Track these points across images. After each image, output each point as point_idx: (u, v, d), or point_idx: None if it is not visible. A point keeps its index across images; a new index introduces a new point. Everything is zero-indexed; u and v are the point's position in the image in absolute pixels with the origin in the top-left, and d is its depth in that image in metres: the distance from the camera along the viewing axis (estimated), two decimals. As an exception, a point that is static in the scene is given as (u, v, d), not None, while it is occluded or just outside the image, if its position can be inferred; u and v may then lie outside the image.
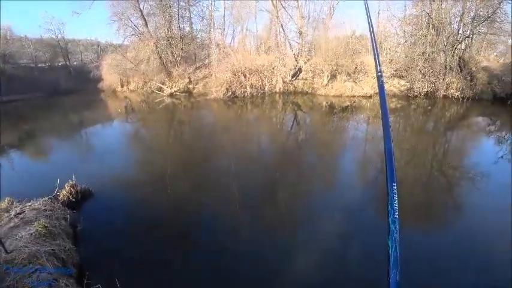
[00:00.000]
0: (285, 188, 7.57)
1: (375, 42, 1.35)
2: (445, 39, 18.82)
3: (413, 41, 20.40)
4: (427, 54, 19.27)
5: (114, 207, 6.68)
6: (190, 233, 5.64)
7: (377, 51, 1.34)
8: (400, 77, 20.37)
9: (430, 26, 19.11)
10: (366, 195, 6.97)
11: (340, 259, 4.71)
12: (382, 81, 1.27)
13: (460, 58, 18.60)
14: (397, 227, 0.98)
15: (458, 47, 18.66)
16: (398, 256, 0.95)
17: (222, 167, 8.86)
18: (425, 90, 18.92)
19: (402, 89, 19.94)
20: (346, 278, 4.30)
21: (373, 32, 1.37)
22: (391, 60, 21.52)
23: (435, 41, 19.00)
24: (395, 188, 1.03)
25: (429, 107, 16.80)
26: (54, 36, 34.98)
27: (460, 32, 18.88)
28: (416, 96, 18.99)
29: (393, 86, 20.33)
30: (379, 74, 1.28)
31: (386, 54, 23.99)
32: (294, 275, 4.32)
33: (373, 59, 1.33)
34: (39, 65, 33.80)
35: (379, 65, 1.28)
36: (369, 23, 1.41)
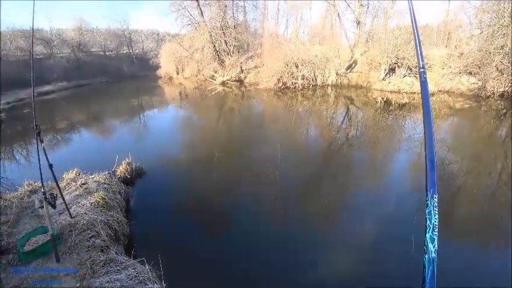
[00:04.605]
0: (328, 183, 7.37)
1: (417, 33, 1.21)
2: (533, 30, 16.15)
3: (491, 32, 17.74)
4: (507, 48, 16.71)
5: (164, 185, 7.19)
6: (230, 216, 5.83)
7: (419, 43, 1.20)
8: (470, 73, 18.12)
9: (515, 15, 16.46)
10: (413, 203, 6.44)
11: (375, 266, 4.39)
12: (425, 78, 1.14)
13: (550, 53, 15.82)
14: (436, 245, 0.87)
15: (550, 39, 15.83)
16: (435, 279, 0.84)
17: (267, 156, 8.89)
18: (502, 90, 16.51)
19: (472, 87, 17.70)
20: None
21: (414, 19, 1.23)
22: (461, 54, 19.23)
23: (519, 33, 16.38)
24: (436, 200, 0.92)
25: (504, 110, 14.71)
26: (120, 27, 38.27)
27: (554, 21, 15.98)
28: (488, 97, 16.67)
29: (461, 83, 18.20)
30: (422, 70, 1.15)
31: (456, 47, 21.50)
32: (326, 269, 4.25)
33: (416, 52, 1.22)
34: (107, 53, 37.25)
35: (422, 59, 1.17)
36: (410, 8, 1.25)
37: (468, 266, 4.37)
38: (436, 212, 0.88)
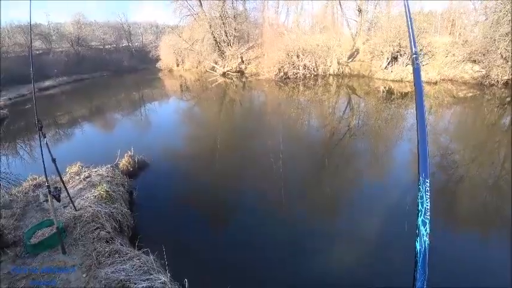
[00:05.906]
0: (330, 174, 7.37)
1: (410, 18, 1.22)
2: (539, 16, 15.81)
3: (496, 18, 17.39)
4: (512, 35, 16.40)
5: (166, 177, 7.26)
6: (231, 207, 5.92)
7: (412, 29, 1.20)
8: (474, 61, 17.87)
9: (521, 0, 16.07)
10: (414, 193, 6.41)
11: (375, 256, 4.41)
12: (418, 64, 1.12)
13: (556, 40, 15.49)
14: (428, 229, 0.87)
15: (557, 25, 15.48)
16: (427, 263, 0.84)
17: (269, 147, 8.84)
18: (506, 78, 16.27)
19: (475, 75, 17.49)
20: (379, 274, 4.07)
21: (408, 5, 1.24)
22: (465, 42, 18.93)
23: (525, 19, 16.01)
24: (428, 184, 0.91)
25: (508, 98, 14.54)
26: (119, 20, 38.08)
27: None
28: (492, 85, 16.45)
29: (464, 72, 17.97)
30: (415, 56, 1.14)
31: (460, 34, 21.15)
32: (326, 261, 4.28)
33: (408, 39, 1.23)
34: (107, 47, 37.05)
35: (415, 45, 1.16)
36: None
37: (467, 255, 4.40)
38: (428, 197, 0.89)
